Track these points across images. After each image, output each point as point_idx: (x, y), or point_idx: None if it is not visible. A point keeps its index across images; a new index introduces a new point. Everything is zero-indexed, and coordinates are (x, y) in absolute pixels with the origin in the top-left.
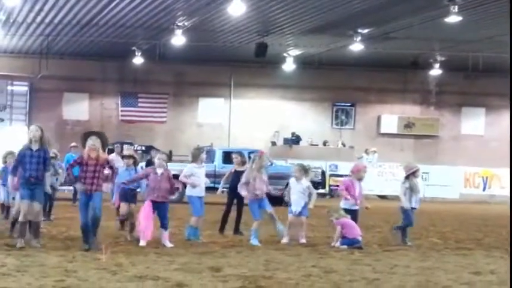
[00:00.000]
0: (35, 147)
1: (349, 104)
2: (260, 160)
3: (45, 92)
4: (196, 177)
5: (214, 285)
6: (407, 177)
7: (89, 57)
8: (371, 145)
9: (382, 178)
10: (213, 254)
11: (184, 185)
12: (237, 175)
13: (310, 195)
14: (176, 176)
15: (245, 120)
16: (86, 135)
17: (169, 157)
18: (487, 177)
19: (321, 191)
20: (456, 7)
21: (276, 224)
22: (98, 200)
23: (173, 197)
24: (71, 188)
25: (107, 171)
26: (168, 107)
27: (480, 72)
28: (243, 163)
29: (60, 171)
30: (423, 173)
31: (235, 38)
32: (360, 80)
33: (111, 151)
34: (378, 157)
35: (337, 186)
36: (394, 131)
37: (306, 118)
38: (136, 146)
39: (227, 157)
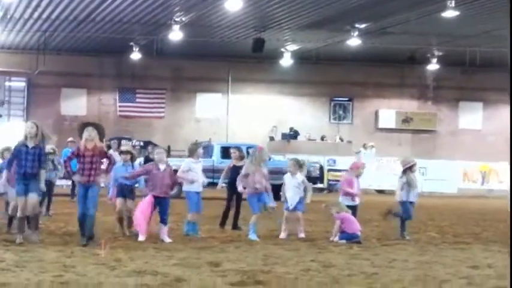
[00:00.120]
0: (30, 144)
1: (346, 99)
2: (260, 154)
3: (43, 88)
4: (193, 173)
5: (213, 280)
6: (404, 172)
7: (87, 53)
8: (369, 140)
9: (380, 173)
10: (212, 249)
11: None
12: (235, 170)
13: (305, 189)
14: (175, 171)
15: (243, 116)
16: (83, 127)
17: (168, 152)
18: (485, 172)
19: (319, 185)
20: (453, 2)
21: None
22: (93, 196)
23: (172, 192)
24: (69, 183)
25: (104, 162)
26: (166, 103)
27: (477, 67)
28: (241, 158)
29: (59, 166)
30: (421, 167)
31: (232, 33)
32: (358, 74)
33: (108, 147)
34: (376, 152)
35: (336, 181)
36: (392, 125)
37: (303, 113)
38: (134, 141)
39: (225, 152)
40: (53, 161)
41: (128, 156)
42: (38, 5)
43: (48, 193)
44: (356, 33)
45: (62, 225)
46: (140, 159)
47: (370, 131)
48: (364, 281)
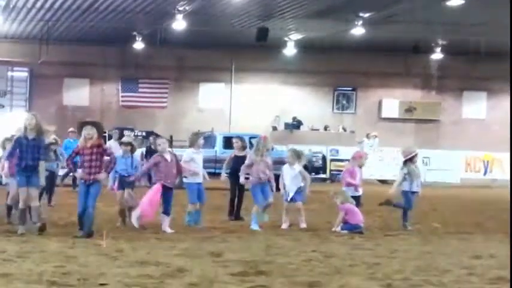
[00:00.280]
0: (30, 135)
1: (350, 89)
2: (264, 143)
3: (46, 78)
4: (195, 163)
5: (215, 270)
6: (405, 163)
7: (90, 43)
8: (372, 130)
9: (383, 163)
10: (214, 239)
11: None
12: (237, 160)
13: (304, 180)
14: None
15: (246, 105)
16: (82, 125)
17: (170, 142)
18: (488, 162)
19: (322, 175)
20: None
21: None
22: (93, 195)
23: (176, 182)
24: (71, 174)
25: (105, 160)
26: (169, 92)
27: (481, 56)
28: (244, 148)
29: (61, 157)
30: (424, 157)
31: (236, 22)
32: (361, 64)
33: (109, 137)
34: (379, 142)
35: (338, 171)
36: (395, 115)
37: (307, 103)
38: (136, 131)
39: (228, 142)
40: (55, 151)
41: (128, 148)
42: None
43: (50, 184)
44: (360, 22)
45: (65, 215)
46: (142, 149)
47: (373, 121)
48: (366, 271)
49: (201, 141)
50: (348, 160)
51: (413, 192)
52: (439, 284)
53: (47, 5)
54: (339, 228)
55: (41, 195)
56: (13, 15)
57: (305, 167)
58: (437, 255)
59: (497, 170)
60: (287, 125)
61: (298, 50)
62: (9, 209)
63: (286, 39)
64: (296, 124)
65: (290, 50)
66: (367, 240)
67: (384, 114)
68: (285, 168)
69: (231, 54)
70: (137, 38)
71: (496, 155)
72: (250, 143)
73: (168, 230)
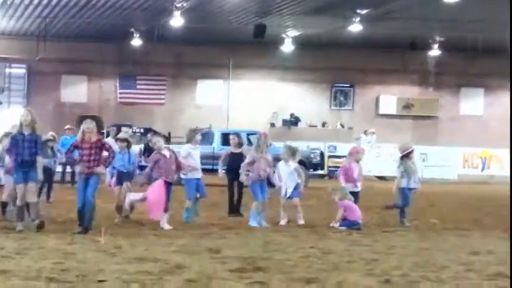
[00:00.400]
0: (26, 131)
1: (348, 85)
2: (265, 140)
3: (43, 75)
4: (192, 159)
5: (213, 266)
6: (401, 159)
7: (87, 39)
8: (370, 126)
9: (381, 159)
10: (212, 235)
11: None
12: (234, 157)
13: (299, 176)
14: None
15: (244, 102)
16: (81, 119)
17: (168, 139)
18: (485, 158)
19: (320, 172)
20: None
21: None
22: (93, 186)
23: (174, 179)
24: (69, 170)
25: (105, 153)
26: (167, 89)
27: (479, 53)
28: (240, 145)
29: (58, 154)
30: (422, 153)
31: (233, 19)
32: (359, 61)
33: (107, 134)
34: (377, 138)
35: (336, 167)
36: (393, 111)
37: (304, 99)
38: (134, 128)
39: (226, 139)
40: (52, 148)
41: (124, 144)
42: None
43: (48, 180)
44: (357, 19)
45: (63, 212)
46: (140, 146)
47: (371, 117)
48: (364, 267)
49: (198, 137)
50: (345, 156)
51: (410, 189)
52: (437, 280)
53: (45, 1)
54: (337, 225)
55: (39, 191)
56: (11, 12)
57: (303, 164)
58: (435, 251)
59: (495, 166)
60: (285, 122)
61: (296, 47)
62: (4, 206)
63: (283, 35)
64: (294, 121)
65: (288, 47)
66: (365, 236)
67: (382, 111)
68: (281, 165)
69: (228, 50)
70: (135, 35)
71: (493, 152)
72: (249, 139)
73: (166, 227)
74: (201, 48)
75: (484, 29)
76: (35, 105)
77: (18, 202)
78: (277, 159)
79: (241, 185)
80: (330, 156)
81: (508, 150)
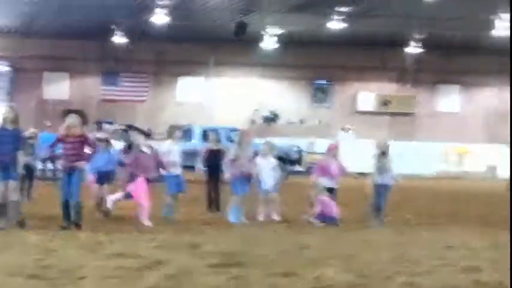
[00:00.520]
0: (9, 127)
1: (327, 82)
2: (247, 138)
3: (26, 72)
4: (172, 156)
5: (193, 261)
6: (377, 156)
7: (69, 37)
8: (348, 123)
9: (359, 155)
10: (192, 231)
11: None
12: (212, 153)
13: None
14: None
15: (225, 99)
16: (66, 113)
17: (149, 135)
18: (462, 154)
19: (299, 168)
20: None
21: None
22: (77, 183)
23: (154, 175)
24: (51, 167)
25: (88, 149)
26: (149, 86)
27: (456, 50)
28: (218, 142)
29: (36, 151)
30: (399, 150)
31: (215, 16)
32: (339, 58)
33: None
34: (354, 134)
35: (314, 164)
36: (371, 108)
37: (284, 96)
38: (116, 125)
39: (206, 135)
40: (32, 145)
41: (105, 144)
42: None
43: (29, 178)
44: (338, 16)
45: (44, 209)
46: (123, 143)
47: (349, 114)
48: (341, 262)
49: (178, 133)
50: (323, 153)
51: (383, 185)
52: (413, 274)
53: None
54: (314, 220)
55: (21, 189)
56: None
57: (281, 160)
58: (410, 246)
59: (471, 162)
60: (265, 119)
61: (277, 44)
62: None
63: (264, 33)
64: (273, 117)
65: (268, 44)
66: (342, 231)
67: (360, 108)
68: (260, 160)
69: (210, 48)
70: (117, 32)
71: (470, 147)
72: (230, 136)
73: (147, 223)
74: (183, 46)
75: (461, 27)
76: (17, 103)
77: None
78: (257, 155)
79: (218, 181)
80: (308, 153)
81: (484, 146)
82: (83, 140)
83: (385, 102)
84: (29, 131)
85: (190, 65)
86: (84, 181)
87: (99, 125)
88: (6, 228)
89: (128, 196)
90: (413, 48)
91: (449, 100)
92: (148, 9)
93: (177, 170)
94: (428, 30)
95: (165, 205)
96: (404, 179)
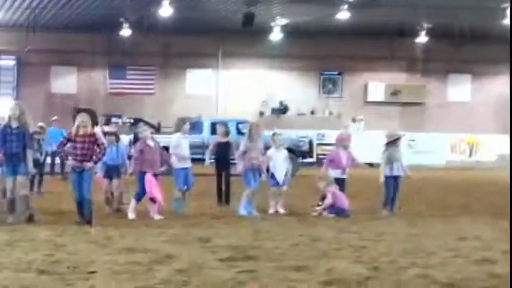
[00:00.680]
0: (14, 124)
1: (336, 73)
2: (256, 130)
3: (33, 66)
4: (182, 149)
5: (203, 256)
6: (387, 146)
7: (76, 30)
8: (358, 113)
9: (369, 146)
10: (202, 225)
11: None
12: (221, 146)
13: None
14: (165, 148)
15: (233, 91)
16: (76, 112)
17: (158, 129)
18: (473, 144)
19: (309, 160)
20: None
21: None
22: (87, 181)
23: (162, 169)
24: (59, 161)
25: (96, 151)
26: (156, 79)
27: (466, 39)
28: (227, 134)
29: (43, 146)
30: (409, 140)
31: (222, 8)
32: (347, 48)
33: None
34: (365, 125)
35: (325, 155)
36: (381, 98)
37: (293, 87)
38: (124, 118)
39: (215, 128)
40: (38, 141)
41: (113, 137)
42: None
43: (38, 173)
44: (345, 6)
45: (53, 204)
46: (130, 137)
47: (359, 105)
48: (353, 254)
49: (187, 126)
50: (334, 144)
51: (394, 177)
52: (425, 266)
53: None
54: (325, 212)
55: (31, 185)
56: None
57: (292, 152)
58: (423, 237)
59: (482, 152)
60: (274, 110)
61: (284, 35)
62: None
63: (272, 24)
64: (282, 109)
65: (276, 35)
66: (353, 223)
67: (370, 98)
68: (273, 152)
69: (217, 40)
70: (124, 25)
71: (480, 137)
72: (239, 128)
73: (157, 217)
74: (190, 38)
75: (471, 15)
76: (24, 97)
77: (7, 195)
78: (266, 147)
79: (229, 174)
80: (318, 144)
81: (495, 136)
82: (93, 140)
83: (395, 92)
84: (36, 125)
85: (198, 57)
86: (93, 176)
87: (107, 118)
88: (15, 223)
89: (139, 199)
90: (422, 37)
91: (460, 90)
92: (155, 1)
93: (187, 164)
94: (437, 19)
95: (175, 199)
96: (412, 170)
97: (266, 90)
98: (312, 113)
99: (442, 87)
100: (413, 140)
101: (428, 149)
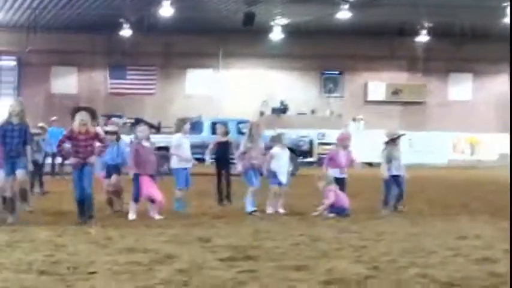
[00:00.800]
0: (15, 121)
1: (336, 72)
2: (256, 130)
3: (33, 66)
4: (183, 149)
5: (204, 255)
6: (386, 144)
7: (77, 30)
8: (358, 113)
9: (369, 145)
10: (202, 224)
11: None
12: (221, 145)
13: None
14: (165, 148)
15: (234, 91)
16: (76, 110)
17: (158, 129)
18: (474, 143)
19: (309, 159)
20: None
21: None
22: (88, 177)
23: (162, 169)
24: (59, 161)
25: (97, 146)
26: (157, 79)
27: (467, 38)
28: (226, 133)
29: (43, 146)
30: (410, 139)
31: (223, 7)
32: (348, 48)
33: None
34: (365, 125)
35: (326, 154)
36: (382, 98)
37: (294, 87)
38: (125, 118)
39: (215, 128)
40: (37, 142)
41: (114, 137)
42: None
43: (38, 174)
44: (346, 5)
45: (54, 204)
46: (131, 137)
47: (360, 104)
48: (353, 254)
49: (187, 126)
50: (335, 144)
51: (394, 176)
52: (425, 265)
53: None
54: (325, 212)
55: (31, 185)
56: (0, 4)
57: (292, 151)
58: (423, 236)
59: (483, 151)
60: (274, 110)
61: (285, 35)
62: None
63: (272, 24)
64: (283, 109)
65: (277, 35)
66: (353, 223)
67: (371, 97)
68: (277, 152)
69: (218, 39)
70: (124, 25)
71: (481, 136)
72: (239, 128)
73: (157, 217)
74: (191, 38)
75: (472, 14)
76: (25, 97)
77: (7, 194)
78: (267, 147)
79: (229, 174)
80: (319, 144)
81: (496, 135)
82: (93, 137)
83: (395, 92)
84: (37, 125)
85: (198, 57)
86: (93, 175)
87: (108, 118)
88: (15, 223)
89: (137, 200)
90: (423, 37)
91: (461, 88)
92: (156, 1)
93: (188, 164)
94: (438, 18)
95: (176, 199)
96: (413, 169)
97: (266, 90)
98: (313, 112)
99: (442, 86)
100: (410, 139)
101: (430, 148)
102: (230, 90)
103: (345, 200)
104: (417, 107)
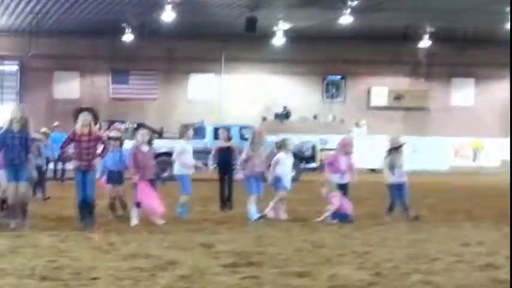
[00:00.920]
0: (16, 128)
1: (339, 77)
2: (259, 138)
3: (36, 71)
4: (187, 155)
5: (206, 261)
6: (389, 152)
7: (79, 35)
8: (361, 118)
9: (372, 151)
10: (205, 230)
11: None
12: (223, 151)
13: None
14: (168, 154)
15: (236, 96)
16: (78, 112)
17: (160, 134)
18: (476, 148)
19: (312, 165)
20: None
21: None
22: (91, 183)
23: (164, 175)
24: (60, 167)
25: (99, 148)
26: (159, 84)
27: (469, 43)
28: (229, 139)
29: (49, 153)
30: (413, 145)
31: (225, 12)
32: (350, 52)
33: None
34: (368, 130)
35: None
36: (384, 103)
37: (296, 92)
38: (127, 123)
39: (218, 133)
40: (38, 147)
41: (117, 142)
42: None
43: (40, 179)
44: (348, 10)
45: (56, 209)
46: (133, 142)
47: (362, 109)
48: (356, 260)
49: (191, 132)
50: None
51: (397, 184)
52: (428, 272)
53: None
54: (328, 218)
55: (33, 191)
56: (2, 9)
57: (295, 157)
58: (426, 243)
59: (486, 157)
60: (277, 115)
61: (287, 40)
62: (2, 202)
63: (274, 29)
64: (285, 114)
65: (279, 40)
66: (356, 229)
67: (373, 103)
68: (282, 157)
69: (220, 44)
70: (127, 30)
71: (484, 142)
72: (241, 133)
73: (159, 222)
74: (193, 43)
75: (474, 19)
76: (27, 102)
77: (9, 201)
78: (273, 153)
79: (231, 180)
80: (322, 149)
81: (499, 140)
82: (96, 139)
83: (398, 97)
84: (40, 131)
85: (201, 62)
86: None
87: (111, 124)
88: (17, 229)
89: (138, 205)
90: (425, 42)
91: (463, 94)
92: (158, 6)
93: (190, 170)
94: (441, 23)
95: (180, 204)
96: (416, 175)
97: (269, 95)
98: (315, 117)
99: (445, 92)
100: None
101: (432, 154)
102: (232, 95)
103: (347, 205)
104: (420, 112)
